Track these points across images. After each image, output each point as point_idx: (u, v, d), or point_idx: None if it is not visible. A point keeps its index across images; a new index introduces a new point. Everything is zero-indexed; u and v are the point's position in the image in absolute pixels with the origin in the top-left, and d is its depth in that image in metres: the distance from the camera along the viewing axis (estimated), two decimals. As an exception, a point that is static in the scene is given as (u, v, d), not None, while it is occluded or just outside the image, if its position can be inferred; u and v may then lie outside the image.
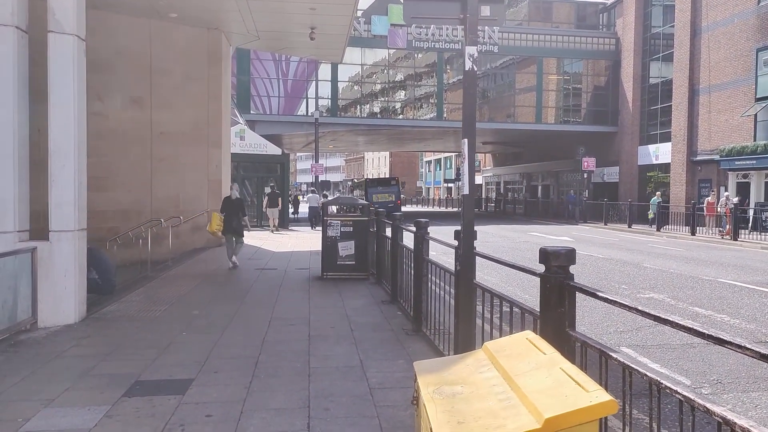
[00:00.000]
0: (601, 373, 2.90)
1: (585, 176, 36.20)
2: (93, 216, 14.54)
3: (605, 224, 30.75)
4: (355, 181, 57.23)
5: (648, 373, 2.49)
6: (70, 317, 7.58)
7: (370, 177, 66.84)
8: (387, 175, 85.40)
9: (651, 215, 27.70)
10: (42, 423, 4.36)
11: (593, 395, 2.24)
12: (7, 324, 6.89)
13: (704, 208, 25.75)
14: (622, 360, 2.69)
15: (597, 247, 19.32)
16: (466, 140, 4.40)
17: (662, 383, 2.38)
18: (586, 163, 34.90)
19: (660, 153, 34.52)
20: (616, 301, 2.84)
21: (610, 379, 2.86)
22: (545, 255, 3.38)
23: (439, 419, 2.47)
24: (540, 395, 2.38)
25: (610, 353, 2.81)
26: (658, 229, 26.27)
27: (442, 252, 8.94)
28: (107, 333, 7.17)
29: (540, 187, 49.52)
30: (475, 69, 4.40)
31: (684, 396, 2.23)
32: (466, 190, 4.46)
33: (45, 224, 7.71)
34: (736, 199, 24.31)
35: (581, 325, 8.07)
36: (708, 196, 27.03)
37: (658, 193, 29.33)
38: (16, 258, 7.18)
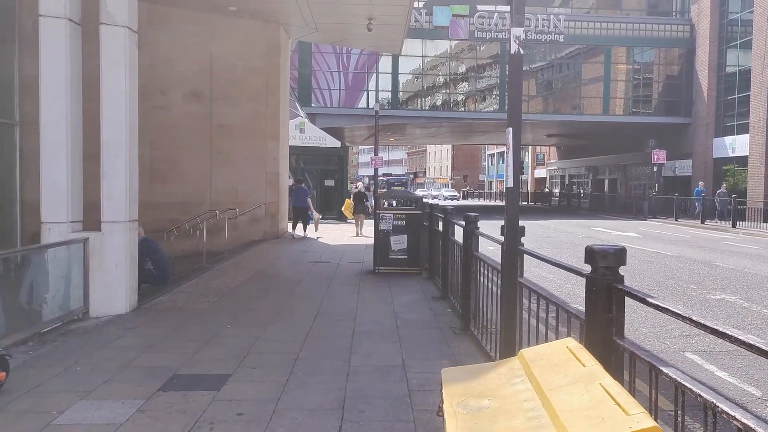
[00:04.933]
0: (651, 390, 2.58)
1: (655, 169, 34.67)
2: (154, 207, 14.95)
3: (676, 220, 29.37)
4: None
5: (702, 393, 2.16)
6: (121, 307, 7.66)
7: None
8: (449, 169, 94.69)
9: None
10: (75, 416, 4.33)
11: (634, 419, 1.94)
12: (59, 313, 7.01)
13: None
14: (673, 376, 2.36)
15: (666, 244, 18.41)
16: (510, 129, 4.09)
17: (718, 407, 2.05)
18: (656, 156, 33.36)
19: (737, 145, 32.69)
20: (668, 309, 2.50)
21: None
22: (591, 254, 3.06)
23: (458, 438, 2.22)
24: (574, 416, 2.10)
25: (661, 368, 2.48)
26: (733, 226, 24.87)
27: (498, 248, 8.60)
28: (154, 324, 7.20)
29: (607, 181, 47.90)
30: (522, 52, 4.08)
31: (743, 424, 1.90)
32: (510, 183, 4.16)
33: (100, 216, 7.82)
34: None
35: (644, 327, 7.62)
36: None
37: None
38: (69, 248, 7.30)
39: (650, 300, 2.65)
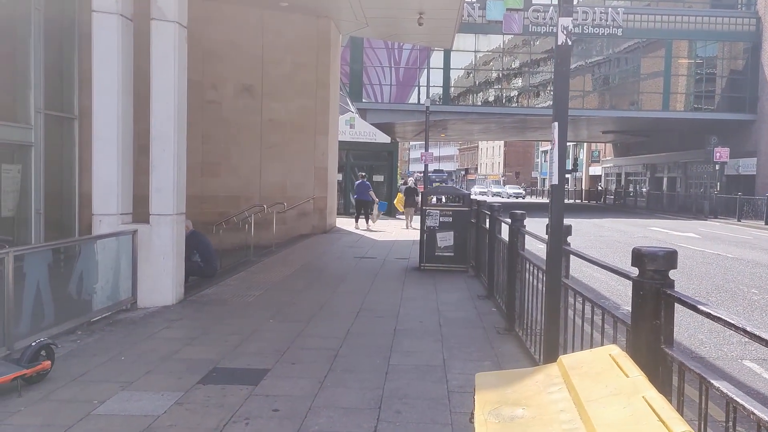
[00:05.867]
0: (700, 406, 2.40)
1: (717, 168, 33.36)
2: (205, 200, 15.22)
3: (738, 220, 28.22)
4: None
5: (755, 411, 1.98)
6: (168, 299, 7.78)
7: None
8: (501, 165, 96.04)
9: None
10: (114, 407, 4.38)
11: (677, 438, 1.79)
12: (108, 303, 7.16)
13: None
14: (724, 391, 2.18)
15: (727, 246, 17.67)
16: (556, 124, 3.91)
17: (774, 428, 1.87)
18: (718, 154, 32.09)
19: (806, 143, 31.18)
20: (720, 318, 2.31)
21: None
22: (639, 256, 2.87)
23: (487, 449, 2.10)
24: (612, 431, 1.95)
25: (712, 381, 2.30)
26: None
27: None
28: (198, 316, 7.28)
29: (665, 179, 46.36)
30: (569, 44, 3.89)
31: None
32: (554, 180, 3.98)
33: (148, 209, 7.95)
34: None
35: (700, 333, 7.28)
36: None
37: None
38: (118, 239, 7.44)
39: (701, 307, 2.47)
